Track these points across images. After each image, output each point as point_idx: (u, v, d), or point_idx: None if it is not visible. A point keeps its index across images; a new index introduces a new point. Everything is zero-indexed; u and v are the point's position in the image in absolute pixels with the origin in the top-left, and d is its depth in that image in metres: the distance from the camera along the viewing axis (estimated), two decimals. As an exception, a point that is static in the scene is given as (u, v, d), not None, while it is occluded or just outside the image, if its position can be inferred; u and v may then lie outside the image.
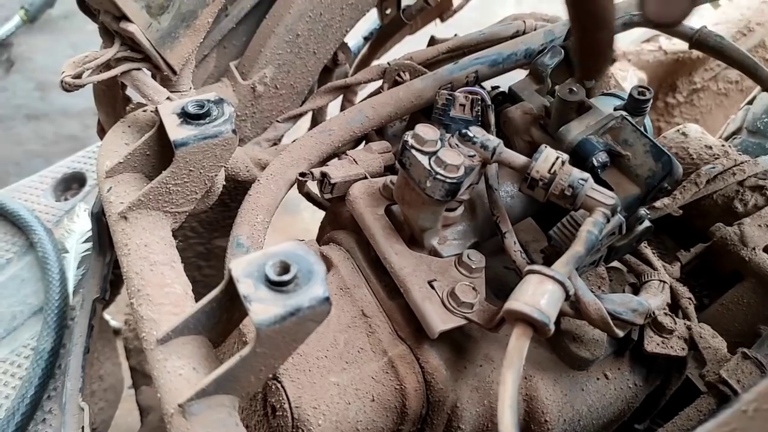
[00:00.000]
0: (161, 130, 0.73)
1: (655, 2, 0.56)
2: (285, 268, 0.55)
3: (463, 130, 0.76)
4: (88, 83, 0.73)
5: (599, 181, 0.78)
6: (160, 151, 0.76)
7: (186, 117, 0.71)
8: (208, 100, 0.72)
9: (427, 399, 0.76)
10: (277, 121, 1.16)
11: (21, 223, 1.17)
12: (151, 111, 0.86)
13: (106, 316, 1.49)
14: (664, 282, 0.89)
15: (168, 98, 0.78)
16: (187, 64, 0.83)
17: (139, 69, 0.78)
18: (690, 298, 0.94)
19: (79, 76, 0.73)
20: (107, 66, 0.76)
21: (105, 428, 1.19)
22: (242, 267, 0.55)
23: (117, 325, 1.68)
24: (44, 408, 0.93)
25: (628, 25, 1.03)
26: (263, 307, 0.52)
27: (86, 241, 1.15)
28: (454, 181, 0.71)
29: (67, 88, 0.71)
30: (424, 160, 0.72)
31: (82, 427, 0.87)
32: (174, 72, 0.80)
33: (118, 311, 1.75)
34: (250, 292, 0.53)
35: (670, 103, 1.96)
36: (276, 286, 0.54)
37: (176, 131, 0.70)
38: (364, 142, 1.08)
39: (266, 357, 0.56)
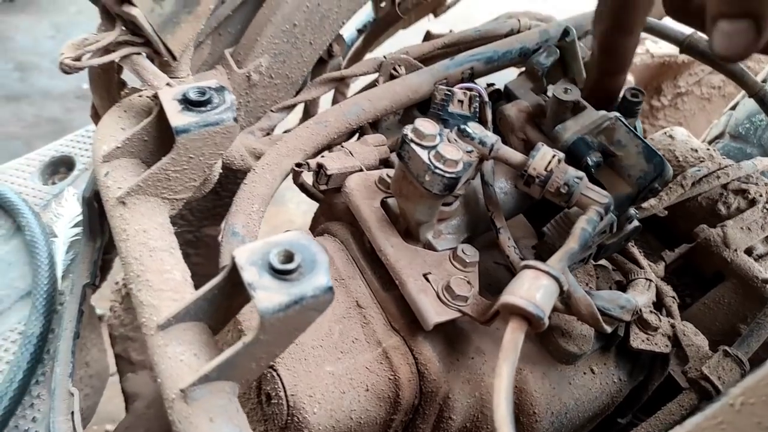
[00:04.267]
0: (161, 115, 0.73)
1: (720, 39, 0.58)
2: (289, 257, 0.55)
3: (462, 126, 0.77)
4: (88, 66, 0.73)
5: (593, 179, 0.79)
6: (159, 137, 0.76)
7: (187, 103, 0.71)
8: (210, 87, 0.72)
9: (419, 389, 0.77)
10: (271, 110, 1.16)
11: (8, 205, 1.15)
12: (147, 96, 0.85)
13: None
14: (650, 280, 0.91)
15: (168, 84, 0.78)
16: (186, 50, 0.83)
17: (138, 53, 0.77)
18: (674, 297, 0.96)
19: (78, 58, 0.72)
20: (107, 49, 0.75)
21: (90, 414, 1.18)
22: (246, 255, 0.55)
23: (100, 312, 1.67)
24: (32, 393, 0.92)
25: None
26: (267, 295, 0.53)
27: (75, 225, 1.14)
28: (453, 175, 0.72)
29: (67, 70, 0.71)
30: (423, 154, 0.73)
31: (72, 412, 0.87)
32: (174, 58, 0.79)
33: (101, 298, 1.73)
34: (254, 279, 0.54)
35: (654, 106, 2.00)
36: (280, 274, 0.54)
37: (178, 117, 0.70)
38: (357, 134, 1.08)
39: (268, 345, 0.56)
